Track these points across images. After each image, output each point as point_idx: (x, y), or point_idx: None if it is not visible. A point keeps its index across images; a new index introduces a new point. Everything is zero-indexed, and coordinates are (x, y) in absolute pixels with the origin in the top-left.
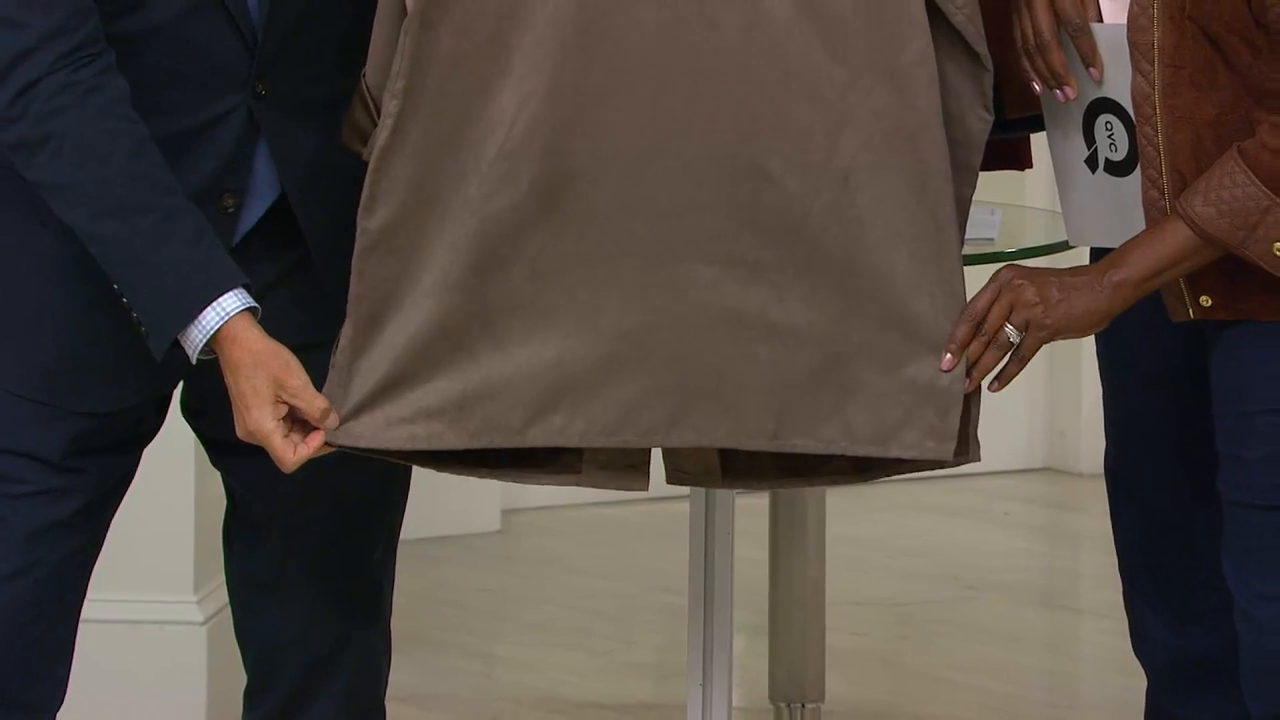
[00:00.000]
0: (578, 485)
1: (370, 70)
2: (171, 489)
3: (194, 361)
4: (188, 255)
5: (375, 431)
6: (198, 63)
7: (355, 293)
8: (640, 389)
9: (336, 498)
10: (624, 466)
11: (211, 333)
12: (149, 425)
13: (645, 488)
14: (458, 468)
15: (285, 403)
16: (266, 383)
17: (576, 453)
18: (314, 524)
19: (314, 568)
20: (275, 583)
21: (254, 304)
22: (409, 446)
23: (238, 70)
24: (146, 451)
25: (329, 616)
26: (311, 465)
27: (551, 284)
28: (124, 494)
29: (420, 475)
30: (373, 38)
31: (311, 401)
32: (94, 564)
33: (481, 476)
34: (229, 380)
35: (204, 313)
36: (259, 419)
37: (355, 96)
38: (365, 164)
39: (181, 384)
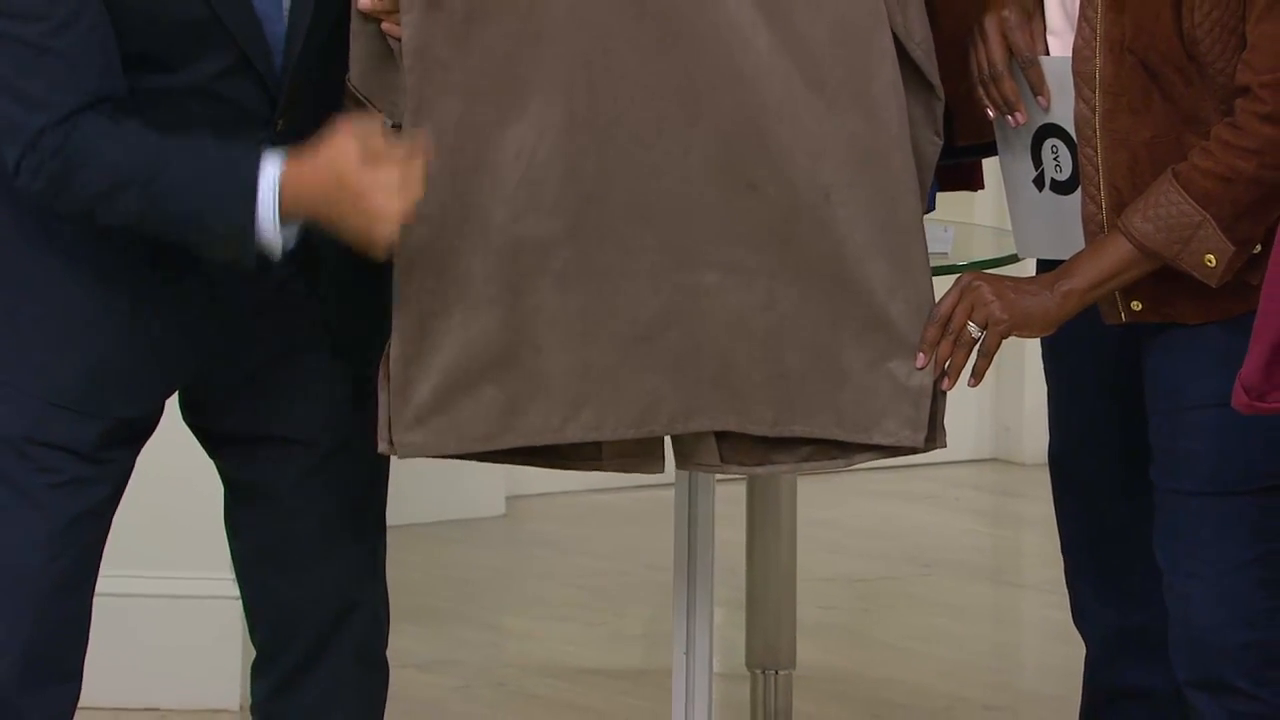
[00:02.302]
0: (601, 471)
1: (353, 71)
2: (208, 472)
3: (292, 245)
4: (216, 159)
5: (440, 439)
6: (225, 112)
7: (398, 307)
8: (658, 384)
9: (331, 479)
10: (641, 454)
11: (276, 191)
12: (154, 423)
13: (661, 470)
14: (495, 459)
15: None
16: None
17: (596, 443)
18: (313, 504)
19: (317, 543)
20: (280, 560)
21: (285, 154)
22: (469, 449)
23: (260, 113)
24: (183, 439)
25: (334, 586)
26: (306, 453)
27: (575, 293)
28: (125, 488)
29: (432, 464)
30: (351, 44)
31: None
32: (104, 546)
33: (515, 464)
34: (337, 208)
35: (259, 185)
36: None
37: (347, 98)
38: None
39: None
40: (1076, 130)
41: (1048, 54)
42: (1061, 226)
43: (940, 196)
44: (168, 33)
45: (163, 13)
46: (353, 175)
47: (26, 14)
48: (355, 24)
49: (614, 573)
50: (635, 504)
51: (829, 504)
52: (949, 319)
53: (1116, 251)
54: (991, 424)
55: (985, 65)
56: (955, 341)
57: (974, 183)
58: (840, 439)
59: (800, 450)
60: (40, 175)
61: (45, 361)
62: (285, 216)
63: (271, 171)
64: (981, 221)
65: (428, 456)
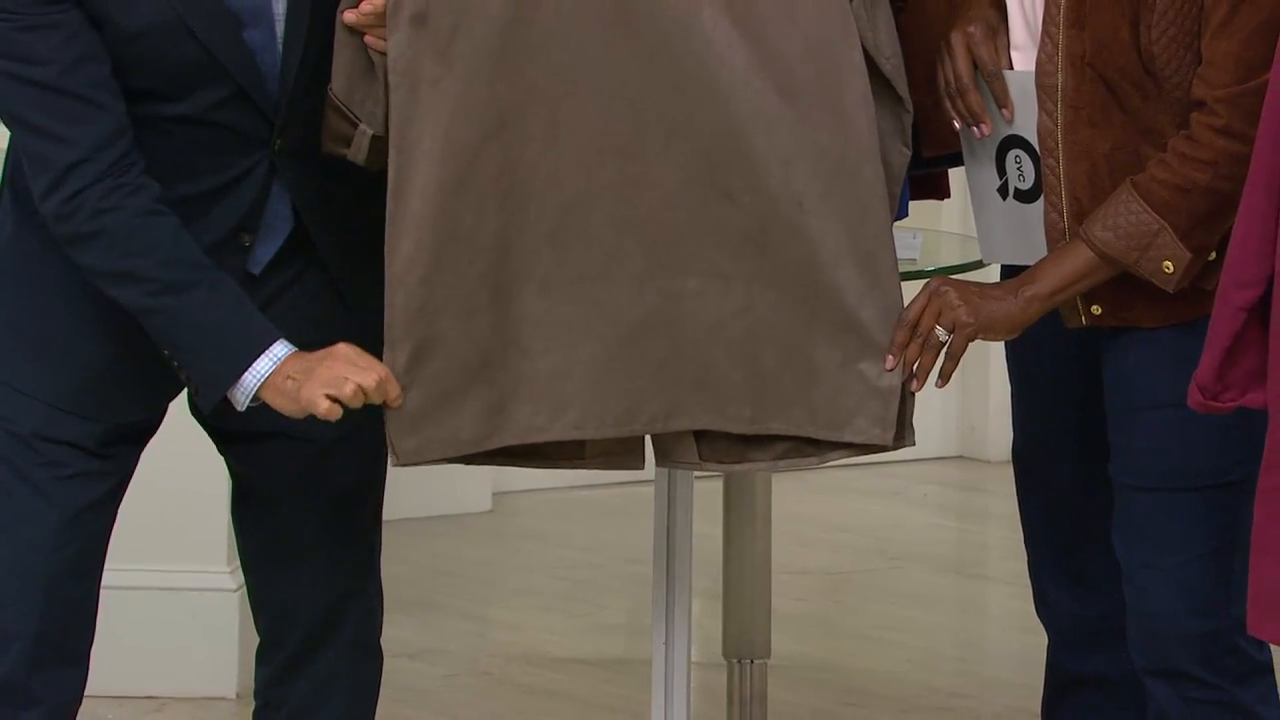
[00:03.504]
0: (585, 469)
1: (336, 82)
2: (206, 471)
3: (242, 408)
4: (234, 318)
5: (434, 445)
6: (227, 136)
7: (390, 320)
8: (641, 385)
9: (333, 476)
10: (623, 452)
11: (265, 377)
12: (158, 423)
13: (642, 467)
14: (483, 460)
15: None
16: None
17: (580, 441)
18: (315, 500)
19: (318, 537)
20: (283, 552)
21: (295, 348)
22: (462, 452)
23: (259, 136)
24: (183, 435)
25: (333, 577)
26: (308, 451)
27: (560, 299)
28: (129, 482)
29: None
30: (335, 55)
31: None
32: (109, 537)
33: (502, 465)
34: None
35: (257, 361)
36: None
37: (328, 108)
38: (368, 184)
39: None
40: (1039, 142)
41: (1012, 68)
42: (1024, 234)
43: (911, 205)
44: (167, 71)
45: (161, 56)
46: (329, 366)
47: (34, 59)
48: (339, 36)
49: (595, 566)
50: (616, 499)
51: (802, 500)
52: (917, 322)
53: (1078, 258)
54: (957, 423)
55: (952, 79)
56: (923, 344)
57: (941, 192)
58: (814, 436)
59: (776, 449)
60: (69, 221)
61: (49, 369)
62: (260, 396)
63: (277, 352)
64: (948, 229)
65: (424, 463)
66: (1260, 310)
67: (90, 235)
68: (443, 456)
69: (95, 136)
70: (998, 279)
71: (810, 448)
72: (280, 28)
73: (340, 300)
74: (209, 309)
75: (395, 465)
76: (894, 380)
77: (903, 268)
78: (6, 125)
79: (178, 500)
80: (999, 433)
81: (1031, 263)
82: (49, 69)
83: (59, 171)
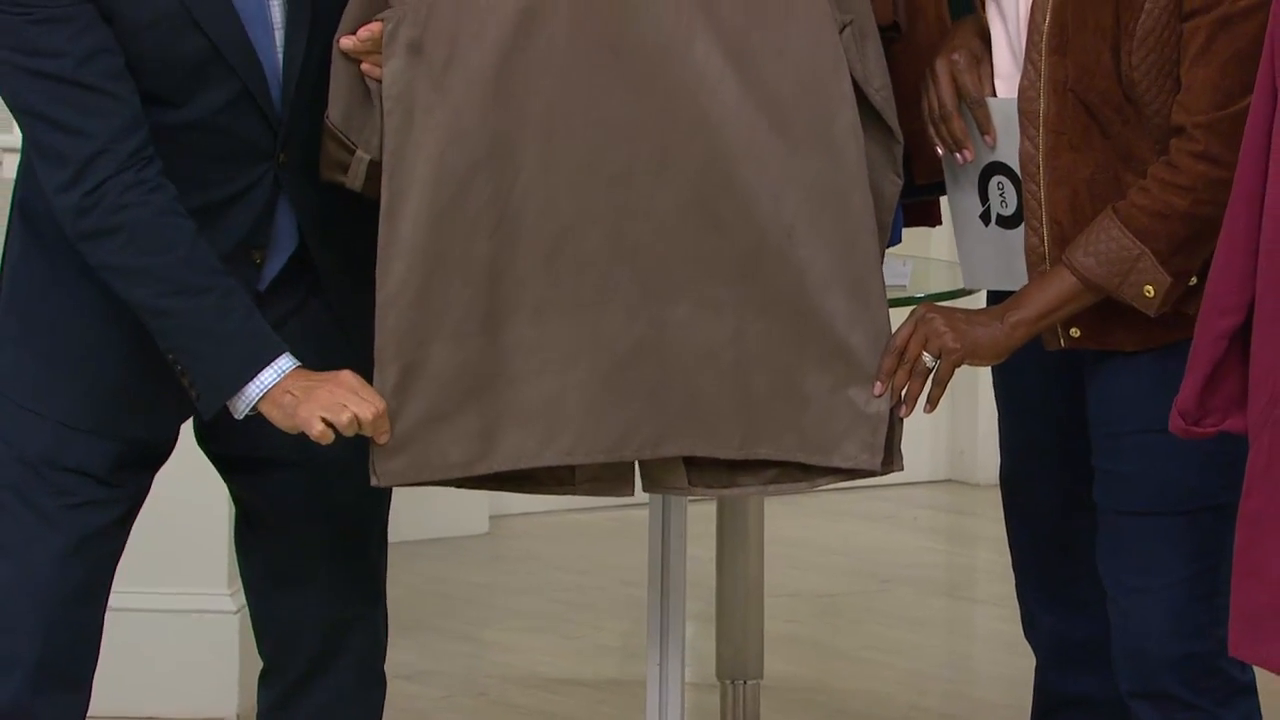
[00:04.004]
0: (574, 495)
1: (333, 109)
2: (207, 494)
3: (239, 417)
4: (244, 327)
5: (419, 467)
6: (231, 144)
7: (380, 343)
8: (632, 412)
9: (337, 502)
10: (612, 478)
11: (268, 389)
12: (169, 449)
13: (631, 493)
14: (474, 484)
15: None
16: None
17: (570, 467)
18: (319, 526)
19: (321, 562)
20: (287, 577)
21: (300, 364)
22: (448, 475)
23: (264, 146)
24: (184, 462)
25: (337, 602)
26: (312, 478)
27: (552, 325)
28: (141, 507)
29: (418, 486)
30: (331, 82)
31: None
32: (118, 563)
33: (493, 490)
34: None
35: (263, 372)
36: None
37: (324, 134)
38: (370, 208)
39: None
40: (1021, 167)
41: (995, 95)
42: (1006, 259)
43: (902, 232)
44: (172, 68)
45: (166, 48)
46: (330, 390)
47: (48, 51)
48: (336, 63)
49: (591, 588)
50: (611, 522)
51: (794, 523)
52: (904, 349)
53: (1061, 284)
54: (947, 447)
55: (936, 105)
56: (911, 371)
57: (933, 219)
58: (803, 461)
59: (765, 474)
60: (89, 215)
61: (61, 386)
62: (258, 406)
63: (282, 365)
64: (938, 256)
65: (408, 484)
66: (1241, 337)
67: (110, 230)
68: (430, 479)
69: (112, 128)
70: (985, 305)
71: (799, 473)
72: (280, 37)
73: (341, 332)
74: (219, 315)
75: (375, 484)
76: (882, 406)
77: (893, 294)
78: (19, 121)
79: (178, 522)
80: (988, 457)
81: (1013, 288)
82: (63, 61)
83: (77, 165)
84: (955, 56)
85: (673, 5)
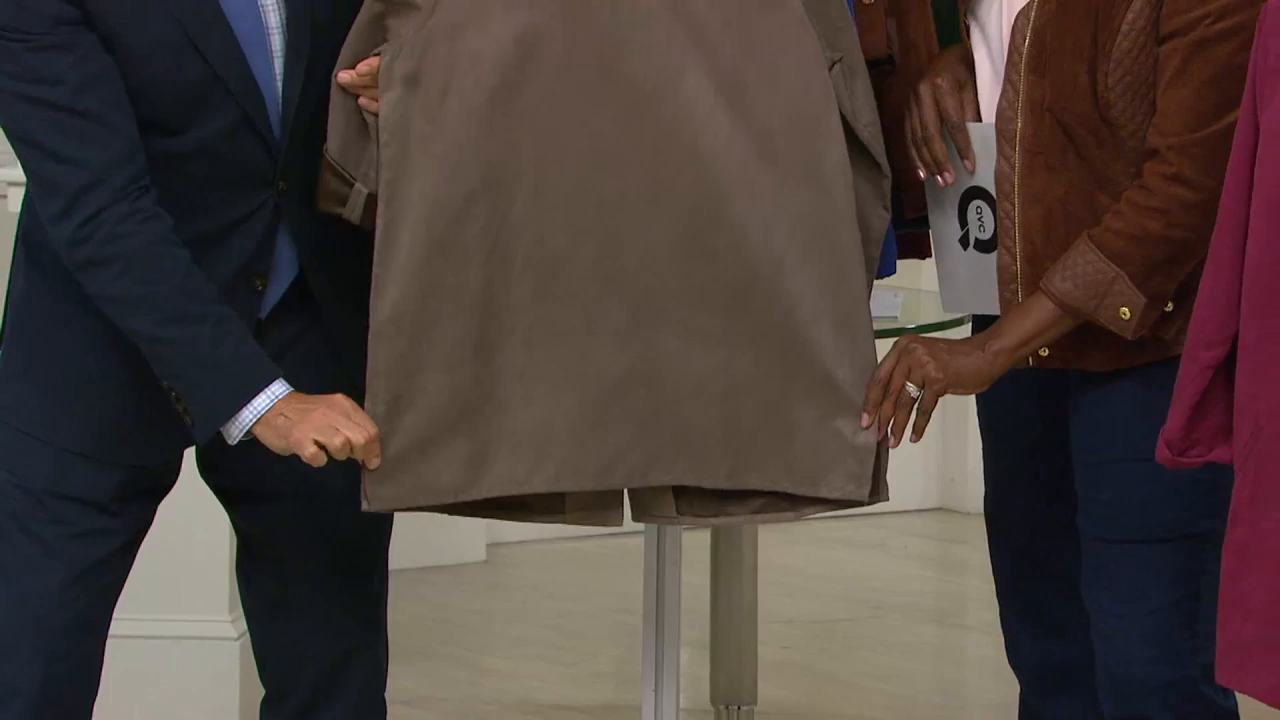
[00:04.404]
0: (564, 524)
1: (331, 142)
2: (208, 522)
3: (233, 442)
4: (238, 352)
5: (409, 492)
6: (232, 171)
7: (372, 370)
8: (621, 440)
9: (339, 533)
10: (602, 506)
11: (262, 413)
12: (172, 479)
13: (620, 522)
14: (465, 511)
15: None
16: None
17: (560, 496)
18: (320, 557)
19: (323, 593)
20: (289, 607)
21: (293, 389)
22: (437, 501)
23: (263, 173)
24: (186, 490)
25: (339, 632)
26: (313, 508)
27: (543, 353)
28: (144, 537)
29: (417, 514)
30: (330, 116)
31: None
32: (120, 592)
33: (483, 517)
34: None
35: (257, 398)
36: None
37: (323, 167)
38: (368, 236)
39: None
40: (996, 186)
41: (979, 120)
42: (982, 283)
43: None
44: (174, 95)
45: (168, 75)
46: (324, 412)
47: (46, 79)
48: (334, 97)
49: (587, 615)
50: (606, 551)
51: (787, 551)
52: (889, 380)
53: (1040, 311)
54: (937, 476)
55: (918, 128)
56: (896, 401)
57: (924, 251)
58: (791, 491)
59: (752, 503)
60: (85, 245)
61: (65, 414)
62: (251, 430)
63: (276, 390)
64: (929, 287)
65: (398, 509)
66: (1227, 368)
67: (106, 260)
68: (421, 504)
69: (107, 158)
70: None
71: (786, 503)
72: (279, 64)
73: (337, 361)
74: (214, 342)
75: (366, 509)
76: (869, 437)
77: (885, 325)
78: (16, 150)
79: (179, 549)
80: (977, 486)
81: (990, 312)
82: (60, 89)
83: (72, 194)
84: (939, 81)
85: (665, 38)
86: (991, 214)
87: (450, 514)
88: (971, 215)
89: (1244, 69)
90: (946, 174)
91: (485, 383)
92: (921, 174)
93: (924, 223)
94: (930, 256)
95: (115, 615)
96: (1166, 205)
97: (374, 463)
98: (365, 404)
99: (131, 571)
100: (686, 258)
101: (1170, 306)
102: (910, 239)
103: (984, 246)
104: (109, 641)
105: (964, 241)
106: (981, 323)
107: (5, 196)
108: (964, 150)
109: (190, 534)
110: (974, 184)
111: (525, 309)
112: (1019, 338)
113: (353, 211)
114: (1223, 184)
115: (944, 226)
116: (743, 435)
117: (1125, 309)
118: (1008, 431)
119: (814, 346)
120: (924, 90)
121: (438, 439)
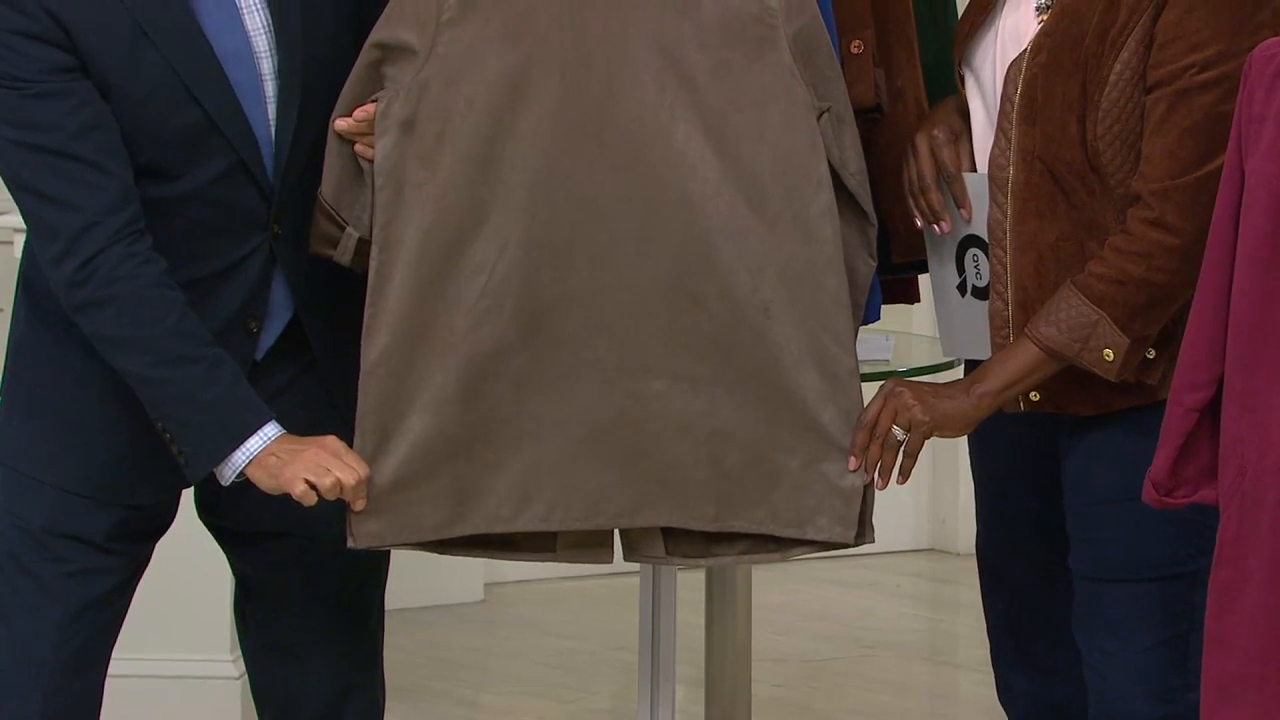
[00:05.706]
0: (554, 562)
1: (326, 186)
2: (209, 562)
3: (226, 483)
4: (232, 395)
5: (394, 529)
6: (227, 216)
7: (362, 409)
8: (607, 481)
9: (336, 575)
10: (592, 545)
11: (254, 455)
12: (169, 518)
13: (610, 560)
14: (456, 549)
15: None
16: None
17: (551, 534)
18: (318, 598)
19: (321, 633)
20: (288, 648)
21: (285, 431)
22: (423, 539)
23: (258, 217)
24: (186, 529)
25: (336, 670)
26: (311, 549)
27: (530, 395)
28: (142, 575)
29: (416, 554)
30: (326, 160)
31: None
32: (119, 630)
33: (474, 556)
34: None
35: (249, 439)
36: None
37: (316, 210)
38: (362, 281)
39: (195, 485)
40: (989, 233)
41: (975, 170)
42: (980, 329)
43: (882, 308)
44: (170, 141)
45: (164, 121)
46: (315, 453)
47: (42, 125)
48: (331, 143)
49: (583, 652)
50: (602, 589)
51: (781, 590)
52: (875, 423)
53: (1024, 355)
54: (929, 516)
55: (915, 178)
56: (882, 444)
57: (911, 296)
58: (776, 534)
59: (740, 544)
60: (83, 288)
61: (63, 455)
62: (246, 470)
63: (268, 432)
64: (919, 331)
65: (384, 546)
66: (1212, 411)
67: (102, 302)
68: (406, 541)
69: (102, 203)
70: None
71: (773, 544)
72: (272, 109)
73: (333, 407)
74: (207, 385)
75: (352, 545)
76: (856, 480)
77: (876, 368)
78: (14, 196)
79: (180, 588)
80: (968, 526)
81: (987, 356)
82: (56, 134)
83: (68, 238)
84: (935, 132)
85: (656, 86)
86: (988, 262)
87: (441, 552)
88: (969, 263)
89: (1227, 118)
90: (943, 224)
91: (473, 423)
92: (919, 223)
93: (911, 268)
94: (919, 302)
95: (117, 655)
96: (1148, 250)
97: (359, 505)
98: (354, 440)
99: (133, 611)
100: (674, 302)
101: (1153, 353)
102: (898, 284)
103: (981, 293)
104: (111, 681)
105: (962, 288)
106: (973, 367)
107: (11, 242)
108: (960, 200)
109: (191, 574)
110: (971, 232)
111: (514, 351)
112: (1003, 381)
113: (343, 254)
114: (1204, 229)
115: (942, 274)
116: (729, 479)
117: (1109, 351)
118: (999, 474)
119: (800, 391)
120: (921, 141)
121: (424, 478)
